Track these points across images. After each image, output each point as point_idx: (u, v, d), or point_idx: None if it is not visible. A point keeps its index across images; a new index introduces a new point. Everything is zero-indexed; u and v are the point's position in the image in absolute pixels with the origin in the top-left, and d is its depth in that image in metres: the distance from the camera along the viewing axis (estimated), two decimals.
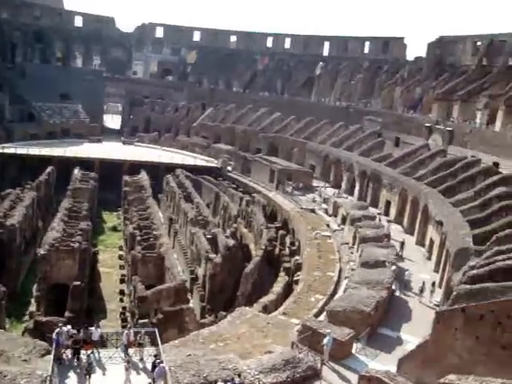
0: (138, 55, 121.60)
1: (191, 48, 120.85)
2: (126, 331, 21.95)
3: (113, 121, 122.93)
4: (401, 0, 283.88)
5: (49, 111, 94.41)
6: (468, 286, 26.33)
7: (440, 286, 35.86)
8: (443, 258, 37.72)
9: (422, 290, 34.21)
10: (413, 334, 27.10)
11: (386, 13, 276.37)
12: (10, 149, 77.05)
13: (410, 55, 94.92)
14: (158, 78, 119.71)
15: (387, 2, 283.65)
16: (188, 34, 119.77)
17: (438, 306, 31.75)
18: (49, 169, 69.36)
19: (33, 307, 39.64)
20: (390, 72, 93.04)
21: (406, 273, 37.07)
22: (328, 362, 23.26)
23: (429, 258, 43.03)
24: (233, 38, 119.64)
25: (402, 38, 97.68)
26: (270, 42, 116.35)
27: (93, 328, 21.77)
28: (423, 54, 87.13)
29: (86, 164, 74.95)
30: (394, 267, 34.94)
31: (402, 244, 44.27)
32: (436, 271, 38.74)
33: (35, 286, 41.69)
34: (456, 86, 73.36)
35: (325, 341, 23.22)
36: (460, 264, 31.47)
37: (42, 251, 40.70)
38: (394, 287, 33.66)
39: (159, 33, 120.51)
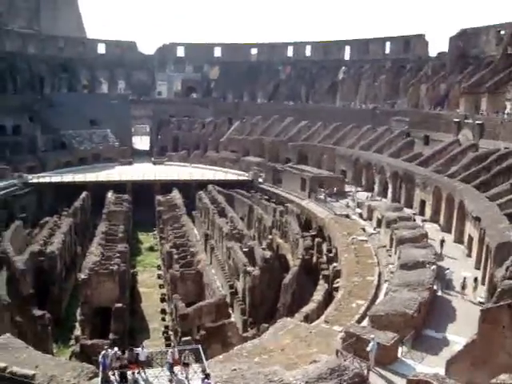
0: (161, 76, 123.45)
1: (213, 64, 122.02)
2: (170, 350, 22.09)
3: (142, 142, 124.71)
4: None
5: (79, 138, 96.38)
6: None
7: (483, 283, 35.15)
8: (484, 255, 36.95)
9: (463, 287, 33.73)
10: (459, 334, 26.60)
11: (405, 11, 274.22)
12: (45, 178, 78.83)
13: (433, 51, 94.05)
14: (183, 97, 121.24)
15: (405, 0, 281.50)
16: (209, 51, 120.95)
17: (482, 303, 31.10)
18: (83, 194, 70.71)
19: (78, 331, 40.25)
20: (413, 70, 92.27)
21: (447, 271, 36.43)
22: (374, 367, 23.00)
23: (469, 255, 42.22)
24: (253, 51, 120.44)
25: (422, 35, 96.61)
26: (290, 51, 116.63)
27: (139, 349, 21.96)
28: (446, 49, 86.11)
29: (118, 187, 75.98)
30: (433, 267, 34.40)
31: (442, 242, 43.62)
32: (477, 268, 37.98)
33: (78, 311, 42.35)
34: (482, 78, 72.26)
35: (369, 346, 22.99)
36: (502, 259, 30.81)
37: (82, 276, 41.35)
38: (435, 287, 33.13)
39: (180, 52, 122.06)
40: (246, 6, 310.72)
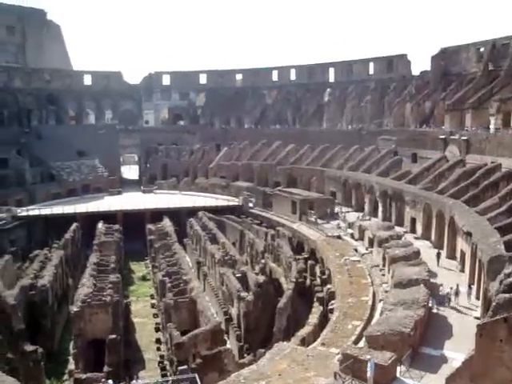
0: (147, 104, 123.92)
1: (199, 91, 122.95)
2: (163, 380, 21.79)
3: (130, 171, 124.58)
4: (400, 18, 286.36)
5: (68, 169, 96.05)
6: (507, 295, 25.69)
7: (477, 297, 35.22)
8: (477, 269, 37.05)
9: (457, 293, 35.09)
10: (457, 351, 26.50)
11: (387, 32, 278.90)
12: (35, 210, 78.29)
13: (416, 70, 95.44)
14: (170, 125, 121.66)
15: (387, 22, 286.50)
16: (194, 78, 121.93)
17: (478, 318, 31.04)
18: (73, 226, 70.21)
19: (71, 365, 39.65)
20: (397, 90, 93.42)
21: (441, 288, 36.59)
22: None
23: (462, 270, 42.34)
24: (238, 76, 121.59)
25: (405, 55, 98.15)
26: (275, 76, 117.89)
27: (134, 381, 21.67)
28: (428, 67, 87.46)
29: (108, 217, 75.61)
30: (441, 287, 35.05)
31: (439, 254, 45.47)
32: (471, 283, 37.99)
33: (72, 344, 41.75)
34: (465, 94, 73.27)
35: (368, 369, 22.75)
36: (495, 273, 30.86)
37: (74, 308, 40.84)
38: (430, 304, 33.09)
39: (166, 80, 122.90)
40: (230, 33, 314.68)
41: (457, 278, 40.35)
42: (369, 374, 22.66)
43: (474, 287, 36.83)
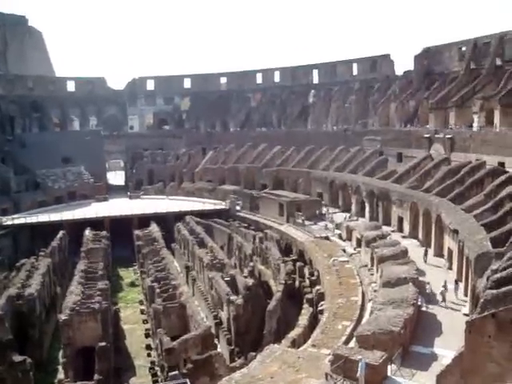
0: (132, 110, 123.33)
1: (183, 95, 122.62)
2: None
3: (116, 177, 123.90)
4: (383, 18, 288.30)
5: (53, 177, 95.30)
6: (494, 291, 25.88)
7: (465, 294, 35.48)
8: (464, 266, 37.32)
9: (445, 287, 35.66)
10: (446, 348, 26.65)
11: (370, 33, 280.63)
12: (20, 219, 77.61)
13: (399, 70, 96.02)
14: (155, 129, 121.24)
15: (370, 23, 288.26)
16: (179, 82, 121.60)
17: (467, 314, 31.25)
18: (60, 234, 69.64)
19: (61, 374, 39.32)
20: (381, 90, 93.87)
21: (428, 286, 36.91)
22: None
23: (450, 268, 42.58)
24: (223, 80, 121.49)
25: (388, 55, 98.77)
26: (259, 78, 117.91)
27: None
28: (411, 67, 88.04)
29: (95, 224, 75.15)
30: (428, 286, 35.27)
31: (426, 251, 46.26)
32: (459, 280, 38.24)
33: (61, 353, 41.39)
34: (448, 93, 73.89)
35: (359, 369, 22.78)
36: (482, 269, 31.10)
37: (63, 317, 40.49)
38: (419, 302, 33.24)
39: (150, 85, 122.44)
40: (214, 37, 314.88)
41: (445, 276, 40.55)
42: (359, 373, 22.69)
43: (462, 284, 37.12)
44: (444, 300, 35.04)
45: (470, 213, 43.08)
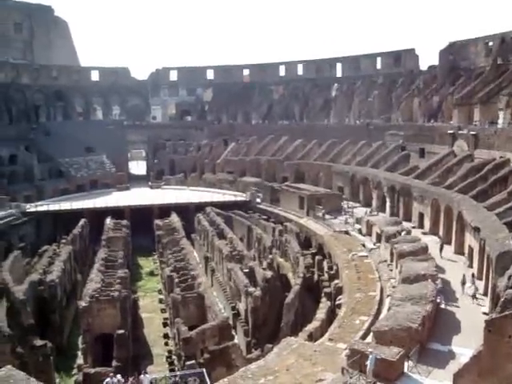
0: (155, 100, 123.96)
1: (206, 86, 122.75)
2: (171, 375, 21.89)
3: (138, 167, 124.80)
4: (408, 12, 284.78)
5: (76, 165, 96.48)
6: None
7: (485, 293, 35.11)
8: (485, 265, 36.92)
9: (463, 283, 35.87)
10: (465, 346, 26.42)
11: (395, 26, 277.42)
12: (43, 206, 78.72)
13: (423, 65, 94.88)
14: (178, 120, 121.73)
15: (395, 17, 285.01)
16: (201, 74, 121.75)
17: (486, 313, 30.95)
18: (81, 221, 70.50)
19: (80, 360, 39.87)
20: (405, 84, 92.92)
21: (438, 281, 36.73)
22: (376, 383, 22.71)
23: (470, 266, 42.16)
24: (246, 72, 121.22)
25: (412, 50, 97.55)
26: (282, 71, 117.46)
27: (142, 376, 21.81)
28: (436, 62, 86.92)
29: (116, 213, 75.86)
30: (438, 282, 34.75)
31: (442, 246, 46.13)
32: (479, 278, 37.87)
33: (80, 339, 41.99)
34: (474, 89, 72.85)
35: (368, 361, 22.74)
36: (503, 268, 30.71)
37: (83, 303, 41.04)
38: (438, 300, 33.01)
39: (173, 76, 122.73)
40: (237, 28, 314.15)
41: (464, 271, 40.23)
42: (368, 367, 22.63)
43: (482, 282, 36.78)
44: (474, 298, 34.89)
45: (492, 211, 42.53)
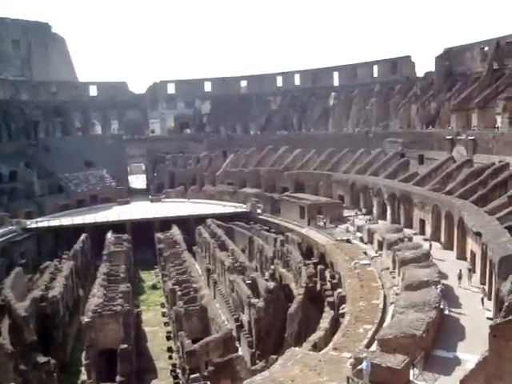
0: (153, 114, 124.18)
1: (204, 99, 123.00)
2: None
3: (138, 181, 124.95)
4: (403, 19, 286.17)
5: (76, 181, 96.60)
6: None
7: (489, 298, 34.98)
8: (488, 270, 36.82)
9: (460, 277, 37.24)
10: (470, 352, 26.26)
11: (390, 34, 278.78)
12: (44, 222, 78.67)
13: (420, 72, 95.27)
14: (176, 133, 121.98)
15: (390, 24, 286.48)
16: (199, 86, 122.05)
17: (490, 318, 30.79)
18: (83, 236, 70.47)
19: (84, 376, 39.71)
20: (402, 91, 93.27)
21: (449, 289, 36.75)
22: None
23: (473, 271, 42.01)
24: (243, 83, 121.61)
25: (409, 57, 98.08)
26: (279, 81, 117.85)
27: None
28: (432, 68, 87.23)
29: (117, 227, 75.85)
30: (440, 286, 34.48)
31: (430, 245, 47.62)
32: (482, 283, 37.77)
33: (84, 355, 41.81)
34: (471, 94, 73.08)
35: (363, 366, 22.60)
36: (506, 273, 30.60)
37: (85, 319, 40.93)
38: (442, 306, 32.89)
39: (171, 89, 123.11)
40: (234, 40, 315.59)
41: (468, 280, 40.09)
42: (364, 372, 22.48)
43: (477, 273, 37.46)
44: (459, 284, 36.70)
45: (493, 215, 42.50)
